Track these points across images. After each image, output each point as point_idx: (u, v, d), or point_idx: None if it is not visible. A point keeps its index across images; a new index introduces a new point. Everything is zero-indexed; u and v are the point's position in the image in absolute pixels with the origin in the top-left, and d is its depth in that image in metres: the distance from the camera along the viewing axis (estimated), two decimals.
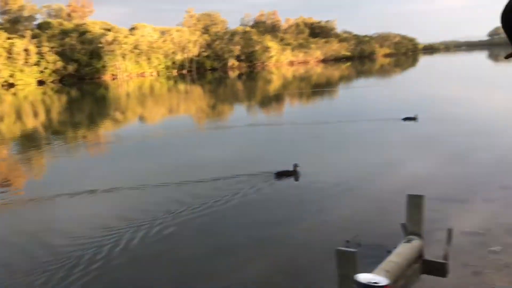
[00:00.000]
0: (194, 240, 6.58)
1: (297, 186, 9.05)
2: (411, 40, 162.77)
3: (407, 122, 15.63)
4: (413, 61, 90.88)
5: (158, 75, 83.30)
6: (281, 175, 9.42)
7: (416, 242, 4.32)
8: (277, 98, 31.94)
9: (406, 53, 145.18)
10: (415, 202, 4.44)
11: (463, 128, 14.31)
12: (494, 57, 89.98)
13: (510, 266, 4.99)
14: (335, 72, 63.21)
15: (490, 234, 5.90)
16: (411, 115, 15.87)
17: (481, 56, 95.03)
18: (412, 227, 4.43)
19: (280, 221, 7.05)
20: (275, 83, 48.80)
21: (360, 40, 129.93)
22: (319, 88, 37.86)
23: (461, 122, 15.47)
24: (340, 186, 8.56)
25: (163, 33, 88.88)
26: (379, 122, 16.18)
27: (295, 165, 9.48)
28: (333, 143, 13.62)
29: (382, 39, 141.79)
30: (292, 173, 9.44)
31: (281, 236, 6.45)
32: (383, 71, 60.50)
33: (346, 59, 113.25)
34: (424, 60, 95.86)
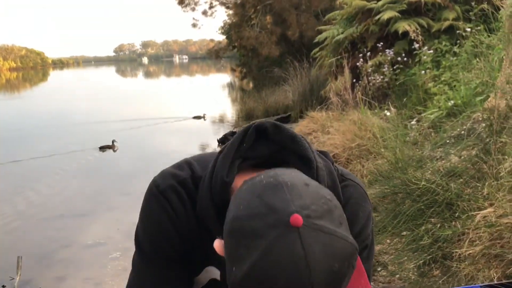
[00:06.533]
0: None
1: None
2: (39, 54, 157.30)
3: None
4: (43, 76, 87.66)
5: None
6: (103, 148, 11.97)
7: None
8: None
9: (34, 67, 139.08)
10: None
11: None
12: (121, 72, 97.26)
13: (127, 269, 5.37)
14: None
15: (112, 242, 6.21)
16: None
17: (111, 71, 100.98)
18: None
19: None
20: None
21: None
22: None
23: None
24: None
25: None
26: None
27: (113, 140, 12.02)
28: None
29: (6, 51, 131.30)
30: (111, 147, 11.98)
31: None
32: (13, 86, 55.68)
33: None
34: (56, 75, 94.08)
